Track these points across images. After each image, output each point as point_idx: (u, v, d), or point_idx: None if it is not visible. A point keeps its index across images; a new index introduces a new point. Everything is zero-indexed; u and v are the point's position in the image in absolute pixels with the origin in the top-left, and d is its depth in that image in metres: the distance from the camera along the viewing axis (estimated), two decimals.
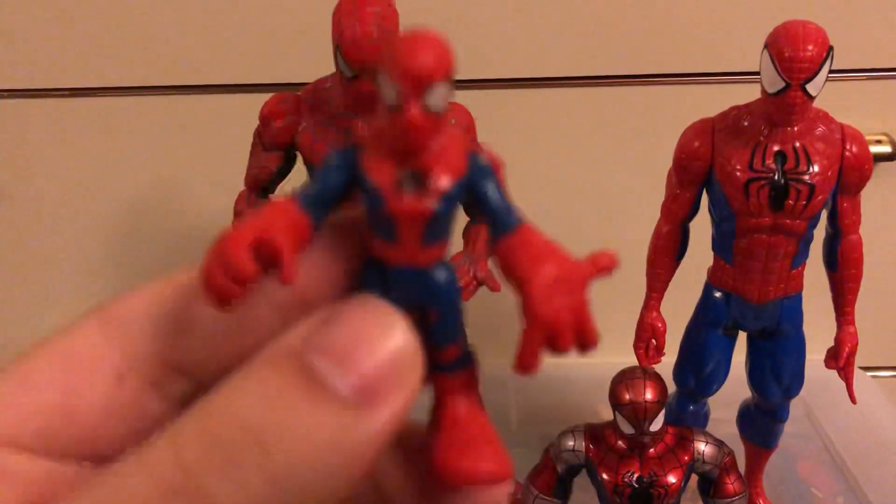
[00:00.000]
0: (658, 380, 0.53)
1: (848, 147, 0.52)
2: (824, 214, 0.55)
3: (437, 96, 0.16)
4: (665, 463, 0.53)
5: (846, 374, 0.59)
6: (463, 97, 0.57)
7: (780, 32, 0.49)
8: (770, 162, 0.51)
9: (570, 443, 0.55)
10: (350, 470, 0.16)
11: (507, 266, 0.17)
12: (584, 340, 0.16)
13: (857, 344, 0.58)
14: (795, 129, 0.51)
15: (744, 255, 0.55)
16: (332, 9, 0.50)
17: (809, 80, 0.48)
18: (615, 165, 0.81)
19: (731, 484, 0.56)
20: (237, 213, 0.59)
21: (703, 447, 0.54)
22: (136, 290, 0.18)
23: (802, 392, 0.60)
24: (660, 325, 0.59)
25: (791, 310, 0.57)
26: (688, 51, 0.76)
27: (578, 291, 0.16)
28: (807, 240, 0.54)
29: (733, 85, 0.76)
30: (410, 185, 0.17)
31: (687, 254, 0.59)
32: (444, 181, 0.17)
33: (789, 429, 0.64)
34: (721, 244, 0.56)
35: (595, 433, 0.55)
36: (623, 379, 0.53)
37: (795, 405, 0.64)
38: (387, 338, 0.16)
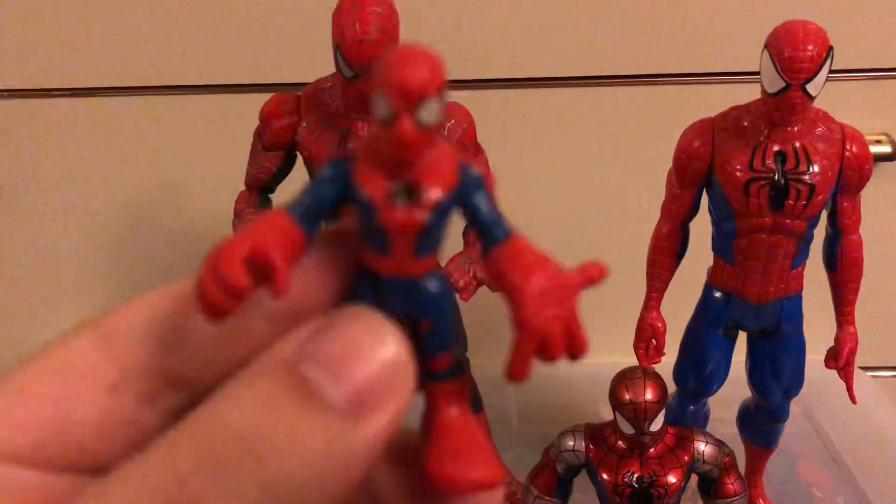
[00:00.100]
0: (658, 380, 0.53)
1: (848, 147, 0.52)
2: (824, 214, 0.55)
3: (429, 110, 0.16)
4: (665, 463, 0.53)
5: (846, 374, 0.59)
6: (463, 97, 0.57)
7: (780, 32, 0.49)
8: (770, 162, 0.51)
9: (570, 443, 0.55)
10: (343, 479, 0.16)
11: (498, 276, 0.17)
12: (575, 349, 0.17)
13: (857, 344, 0.58)
14: (795, 129, 0.51)
15: (744, 255, 0.55)
16: (332, 9, 0.50)
17: (809, 80, 0.48)
18: (615, 165, 0.81)
19: (731, 484, 0.56)
20: (237, 213, 0.59)
21: (703, 447, 0.54)
22: (130, 301, 0.18)
23: (802, 392, 0.60)
24: (660, 325, 0.59)
25: (791, 310, 0.57)
26: (688, 51, 0.76)
27: (568, 301, 0.17)
28: (807, 240, 0.54)
29: (733, 85, 0.76)
30: (402, 198, 0.17)
31: (687, 254, 0.59)
32: (435, 193, 0.17)
33: (789, 429, 0.64)
34: (721, 244, 0.56)
35: (595, 433, 0.55)
36: (623, 379, 0.53)
37: (795, 405, 0.64)
38: (379, 348, 0.16)
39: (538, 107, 0.79)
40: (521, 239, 0.18)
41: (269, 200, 0.59)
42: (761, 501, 0.66)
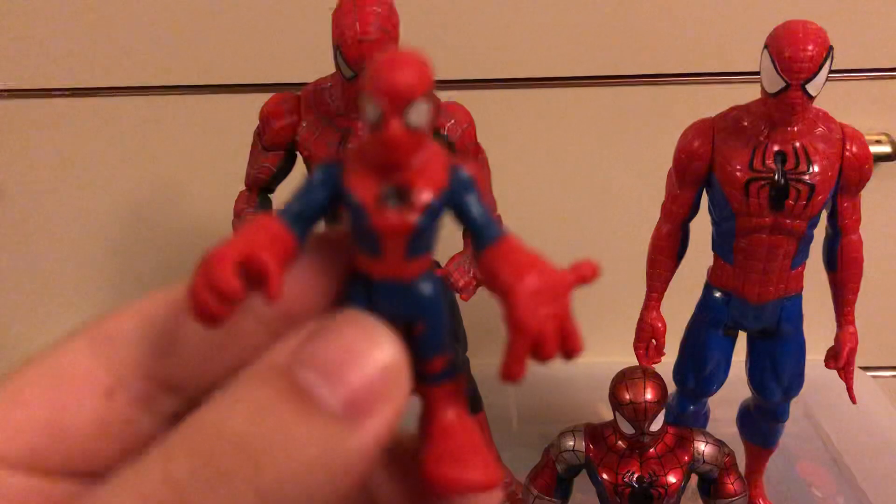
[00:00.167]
0: (658, 380, 0.53)
1: (848, 147, 0.52)
2: (824, 214, 0.55)
3: (418, 113, 0.16)
4: (665, 463, 0.53)
5: (846, 374, 0.59)
6: (463, 97, 0.57)
7: (780, 32, 0.49)
8: (770, 162, 0.51)
9: (570, 443, 0.55)
10: (340, 483, 0.16)
11: (491, 277, 0.17)
12: (569, 348, 0.17)
13: (857, 344, 0.58)
14: (795, 129, 0.51)
15: (744, 255, 0.55)
16: (332, 9, 0.50)
17: (809, 80, 0.48)
18: (615, 165, 0.81)
19: (731, 484, 0.56)
20: (237, 213, 0.59)
21: (703, 447, 0.54)
22: (125, 307, 0.18)
23: (802, 392, 0.60)
24: (660, 325, 0.59)
25: (791, 310, 0.57)
26: (688, 51, 0.76)
27: (562, 300, 0.17)
28: (807, 240, 0.54)
29: (733, 85, 0.76)
30: (393, 201, 0.17)
31: (687, 254, 0.59)
32: (426, 195, 0.17)
33: (789, 429, 0.64)
34: (721, 244, 0.56)
35: (595, 433, 0.55)
36: (623, 379, 0.53)
37: (795, 405, 0.64)
38: (375, 352, 0.16)
39: (538, 107, 0.79)
40: (513, 239, 0.18)
41: (269, 200, 0.59)
42: (761, 501, 0.66)
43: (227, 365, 0.17)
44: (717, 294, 0.58)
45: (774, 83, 0.49)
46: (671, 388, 0.58)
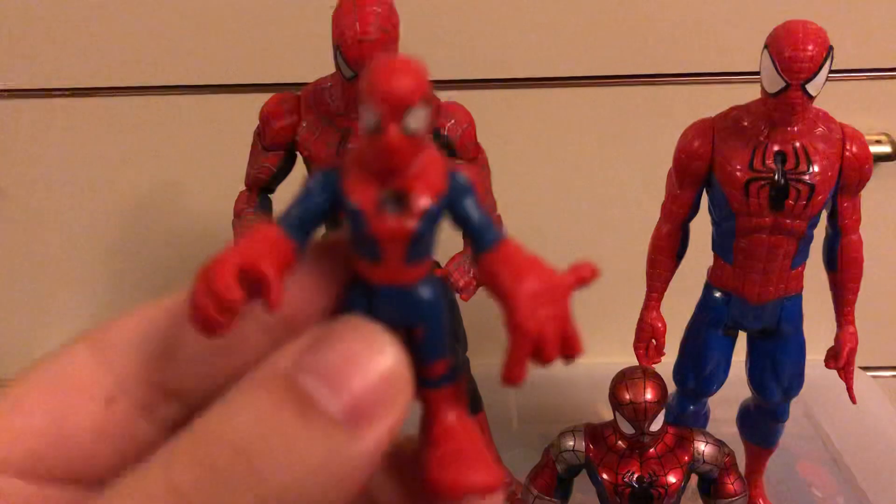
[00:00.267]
0: (658, 380, 0.53)
1: (848, 147, 0.52)
2: (824, 214, 0.55)
3: (416, 119, 0.16)
4: (665, 463, 0.53)
5: (846, 374, 0.59)
6: (463, 97, 0.57)
7: (780, 32, 0.49)
8: (770, 162, 0.51)
9: (570, 443, 0.55)
10: (342, 490, 0.16)
11: (491, 281, 0.17)
12: (569, 350, 0.17)
13: (857, 344, 0.58)
14: (795, 129, 0.51)
15: (744, 255, 0.55)
16: (332, 9, 0.50)
17: (809, 80, 0.48)
18: (615, 165, 0.81)
19: (732, 484, 0.56)
20: (237, 214, 0.59)
21: (703, 447, 0.54)
22: (125, 314, 0.18)
23: (802, 392, 0.60)
24: (660, 325, 0.59)
25: (791, 310, 0.57)
26: (688, 51, 0.76)
27: (561, 302, 0.17)
28: (807, 240, 0.54)
29: (733, 85, 0.76)
30: (392, 206, 0.17)
31: (687, 254, 0.59)
32: (424, 201, 0.17)
33: (789, 429, 0.64)
34: (721, 244, 0.56)
35: (595, 433, 0.55)
36: (623, 379, 0.53)
37: (795, 405, 0.64)
38: (377, 358, 0.16)
39: (538, 107, 0.79)
40: (512, 242, 0.18)
41: (269, 200, 0.59)
42: (761, 501, 0.66)
43: (229, 372, 0.17)
44: (717, 294, 0.58)
45: (774, 83, 0.49)
46: (671, 388, 0.58)
